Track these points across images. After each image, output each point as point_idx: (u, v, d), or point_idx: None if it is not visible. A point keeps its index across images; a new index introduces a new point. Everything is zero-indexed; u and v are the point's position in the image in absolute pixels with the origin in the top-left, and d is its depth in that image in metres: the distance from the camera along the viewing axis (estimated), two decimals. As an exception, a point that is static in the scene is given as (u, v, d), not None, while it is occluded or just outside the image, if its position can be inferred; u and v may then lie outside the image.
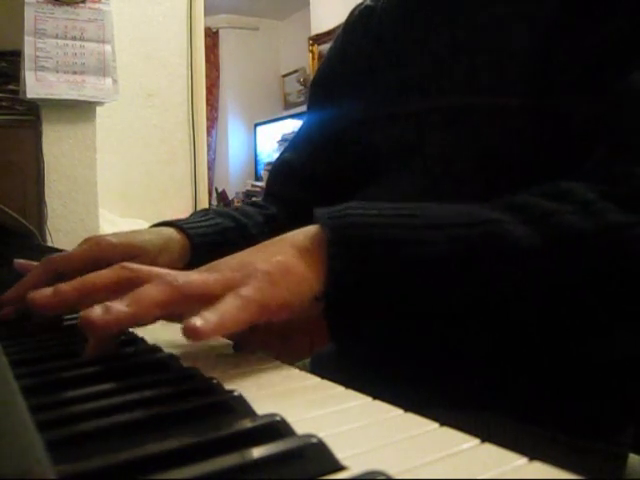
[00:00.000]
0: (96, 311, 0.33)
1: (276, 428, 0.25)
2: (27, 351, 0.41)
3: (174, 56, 2.41)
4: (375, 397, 0.30)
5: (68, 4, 1.79)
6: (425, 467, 0.22)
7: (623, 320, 0.39)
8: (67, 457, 0.21)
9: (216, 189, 4.88)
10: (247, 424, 0.25)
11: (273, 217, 0.72)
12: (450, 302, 0.37)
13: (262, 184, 4.13)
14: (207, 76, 2.65)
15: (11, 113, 1.82)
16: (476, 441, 0.24)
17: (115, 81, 1.88)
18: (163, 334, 0.44)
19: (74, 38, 1.81)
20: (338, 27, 0.77)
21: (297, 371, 0.36)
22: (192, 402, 0.29)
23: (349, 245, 0.37)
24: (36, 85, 1.75)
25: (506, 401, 0.49)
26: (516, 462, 0.22)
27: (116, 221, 2.10)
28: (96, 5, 1.84)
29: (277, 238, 0.41)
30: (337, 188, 0.72)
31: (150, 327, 0.41)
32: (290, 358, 0.40)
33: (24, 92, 1.74)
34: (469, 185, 0.54)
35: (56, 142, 1.86)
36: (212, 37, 5.09)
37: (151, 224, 0.64)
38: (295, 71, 5.14)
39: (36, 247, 1.54)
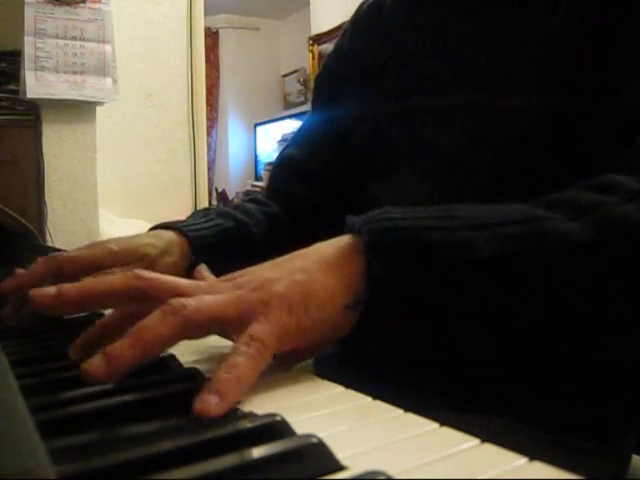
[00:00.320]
0: (96, 362, 0.31)
1: (276, 428, 0.25)
2: (27, 351, 0.41)
3: (174, 56, 2.41)
4: (375, 397, 0.30)
5: (68, 4, 1.79)
6: (425, 467, 0.22)
7: None
8: (67, 457, 0.21)
9: (216, 189, 4.88)
10: (247, 424, 0.25)
11: (274, 214, 0.71)
12: (494, 303, 0.36)
13: (262, 184, 4.12)
14: (207, 76, 2.65)
15: (11, 113, 1.82)
16: (476, 441, 0.24)
17: (115, 81, 1.88)
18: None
19: (74, 38, 1.81)
20: (338, 27, 0.77)
21: (297, 371, 0.36)
22: (192, 402, 0.29)
23: (390, 249, 0.35)
24: (36, 85, 1.75)
25: (508, 402, 0.49)
26: (516, 462, 0.22)
27: (116, 221, 2.10)
28: (96, 5, 1.84)
29: (302, 251, 0.38)
30: (340, 186, 0.71)
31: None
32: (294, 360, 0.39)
33: (24, 92, 1.74)
34: (479, 185, 0.53)
35: (56, 142, 1.86)
36: (212, 37, 5.09)
37: (151, 224, 0.64)
38: (295, 71, 5.14)
39: (36, 247, 1.54)
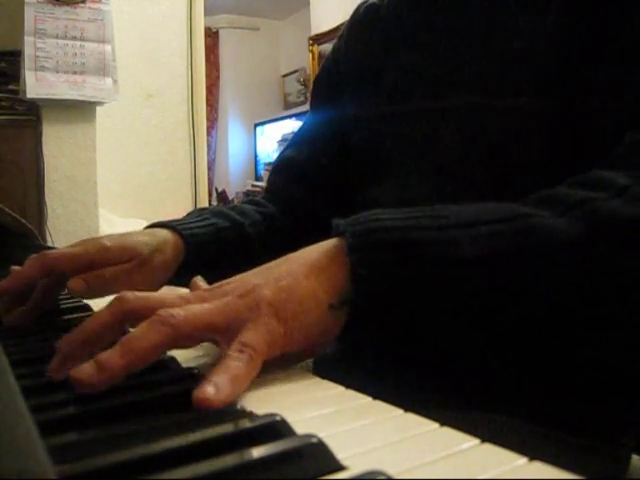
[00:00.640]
0: (87, 370, 0.30)
1: (276, 428, 0.25)
2: (27, 351, 0.41)
3: (174, 56, 2.41)
4: (375, 397, 0.30)
5: (68, 4, 1.79)
6: (425, 467, 0.22)
7: None
8: (67, 457, 0.21)
9: (216, 189, 4.88)
10: (247, 424, 0.25)
11: (271, 216, 0.70)
12: (482, 301, 0.36)
13: (262, 184, 4.13)
14: (207, 76, 2.65)
15: (11, 113, 1.82)
16: (476, 441, 0.24)
17: (115, 81, 1.88)
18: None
19: (74, 38, 1.81)
20: (338, 27, 0.77)
21: (297, 371, 0.36)
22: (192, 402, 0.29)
23: (374, 250, 0.36)
24: (36, 85, 1.75)
25: (508, 401, 0.49)
26: (516, 462, 0.22)
27: (116, 221, 2.10)
28: (96, 5, 1.84)
29: (289, 256, 0.39)
30: (339, 187, 0.71)
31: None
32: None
33: (24, 92, 1.74)
34: (479, 186, 0.53)
35: (56, 142, 1.86)
36: (212, 37, 5.09)
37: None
38: (295, 71, 5.15)
39: (36, 247, 1.53)
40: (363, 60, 0.68)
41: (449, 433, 0.25)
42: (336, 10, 3.60)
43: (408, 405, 0.29)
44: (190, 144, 2.44)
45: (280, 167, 0.78)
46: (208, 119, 3.53)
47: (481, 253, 0.35)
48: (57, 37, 1.79)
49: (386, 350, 0.46)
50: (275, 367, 0.37)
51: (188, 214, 0.67)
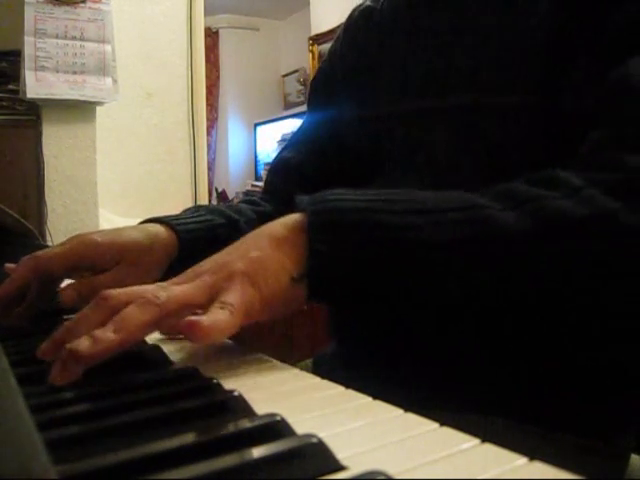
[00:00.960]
0: (84, 343, 0.32)
1: (276, 428, 0.25)
2: (27, 351, 0.41)
3: (174, 56, 2.41)
4: (375, 397, 0.30)
5: (68, 4, 1.79)
6: (425, 467, 0.22)
7: (618, 311, 0.39)
8: (67, 457, 0.21)
9: (216, 189, 4.88)
10: (247, 424, 0.25)
11: (267, 214, 0.70)
12: (433, 286, 0.38)
13: (262, 184, 4.12)
14: (207, 76, 2.65)
15: (11, 113, 1.82)
16: (476, 441, 0.24)
17: (115, 81, 1.88)
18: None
19: (74, 38, 1.81)
20: (338, 27, 0.77)
21: (297, 371, 0.36)
22: (192, 402, 0.29)
23: (331, 228, 0.38)
24: (36, 85, 1.75)
25: (507, 401, 0.49)
26: (516, 462, 0.22)
27: (116, 221, 2.10)
28: (96, 5, 1.84)
29: (253, 232, 0.41)
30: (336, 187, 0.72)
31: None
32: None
33: (24, 92, 1.74)
34: (474, 184, 0.54)
35: (56, 142, 1.85)
36: (212, 37, 5.08)
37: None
38: (295, 71, 5.14)
39: (36, 247, 1.53)
40: (359, 61, 0.69)
41: (449, 433, 0.25)
42: (336, 10, 3.60)
43: (408, 405, 0.29)
44: (190, 144, 2.44)
45: (278, 167, 0.78)
46: (208, 119, 3.53)
47: (436, 239, 0.37)
48: (57, 37, 1.78)
49: (391, 350, 0.47)
50: (274, 367, 0.37)
51: (183, 211, 0.67)
